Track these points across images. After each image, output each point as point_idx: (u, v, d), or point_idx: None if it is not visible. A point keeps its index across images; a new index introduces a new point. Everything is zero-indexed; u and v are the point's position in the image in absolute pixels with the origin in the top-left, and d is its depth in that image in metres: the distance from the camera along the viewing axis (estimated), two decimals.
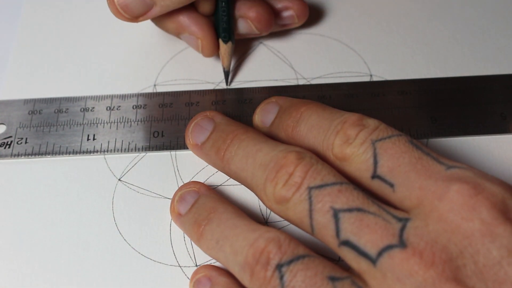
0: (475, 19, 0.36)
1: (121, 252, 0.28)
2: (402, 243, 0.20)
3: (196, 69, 0.34)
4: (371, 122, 0.24)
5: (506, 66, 0.34)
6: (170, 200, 0.29)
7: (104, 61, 0.35)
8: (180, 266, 0.27)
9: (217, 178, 0.30)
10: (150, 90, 0.33)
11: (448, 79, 0.33)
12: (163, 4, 0.29)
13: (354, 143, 0.24)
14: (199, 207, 0.26)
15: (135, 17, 0.30)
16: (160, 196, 0.29)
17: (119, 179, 0.30)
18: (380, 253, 0.20)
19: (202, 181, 0.30)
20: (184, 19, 0.31)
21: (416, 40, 0.35)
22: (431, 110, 0.32)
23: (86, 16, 0.37)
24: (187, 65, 0.35)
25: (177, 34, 0.33)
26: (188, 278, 0.27)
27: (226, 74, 0.33)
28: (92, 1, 0.38)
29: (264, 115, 0.29)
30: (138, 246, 0.28)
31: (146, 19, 0.30)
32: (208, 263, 0.27)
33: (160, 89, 0.33)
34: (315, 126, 0.26)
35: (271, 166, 0.24)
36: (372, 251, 0.21)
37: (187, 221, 0.26)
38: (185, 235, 0.28)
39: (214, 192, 0.28)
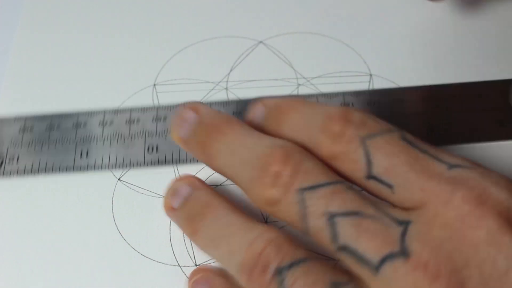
0: (474, 24, 0.36)
1: (121, 252, 0.28)
2: (404, 251, 0.19)
3: (196, 69, 0.34)
4: (357, 115, 0.23)
5: (503, 72, 0.33)
6: None
7: (103, 61, 0.35)
8: (179, 266, 0.27)
9: (217, 178, 0.30)
10: (149, 90, 0.33)
11: (444, 86, 0.32)
12: None
13: (342, 141, 0.22)
14: (193, 201, 0.25)
15: None
16: (160, 196, 0.29)
17: (119, 179, 0.30)
18: (382, 262, 0.19)
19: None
20: None
21: (416, 40, 0.35)
22: (428, 117, 0.31)
23: (86, 15, 0.37)
24: (187, 65, 0.35)
25: None
26: (187, 278, 0.27)
27: None
28: (91, 5, 0.38)
29: (253, 118, 0.27)
30: (138, 246, 0.28)
31: None
32: (208, 263, 0.27)
33: (160, 89, 0.33)
34: (299, 125, 0.24)
35: (256, 164, 0.22)
36: (374, 258, 0.20)
37: (180, 215, 0.26)
38: (185, 235, 0.28)
39: (208, 186, 0.26)
